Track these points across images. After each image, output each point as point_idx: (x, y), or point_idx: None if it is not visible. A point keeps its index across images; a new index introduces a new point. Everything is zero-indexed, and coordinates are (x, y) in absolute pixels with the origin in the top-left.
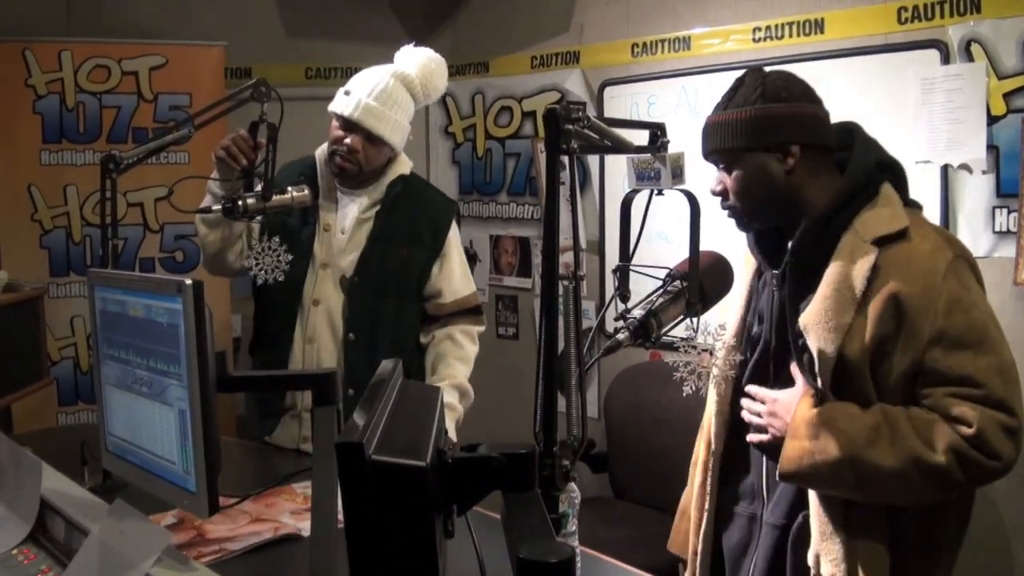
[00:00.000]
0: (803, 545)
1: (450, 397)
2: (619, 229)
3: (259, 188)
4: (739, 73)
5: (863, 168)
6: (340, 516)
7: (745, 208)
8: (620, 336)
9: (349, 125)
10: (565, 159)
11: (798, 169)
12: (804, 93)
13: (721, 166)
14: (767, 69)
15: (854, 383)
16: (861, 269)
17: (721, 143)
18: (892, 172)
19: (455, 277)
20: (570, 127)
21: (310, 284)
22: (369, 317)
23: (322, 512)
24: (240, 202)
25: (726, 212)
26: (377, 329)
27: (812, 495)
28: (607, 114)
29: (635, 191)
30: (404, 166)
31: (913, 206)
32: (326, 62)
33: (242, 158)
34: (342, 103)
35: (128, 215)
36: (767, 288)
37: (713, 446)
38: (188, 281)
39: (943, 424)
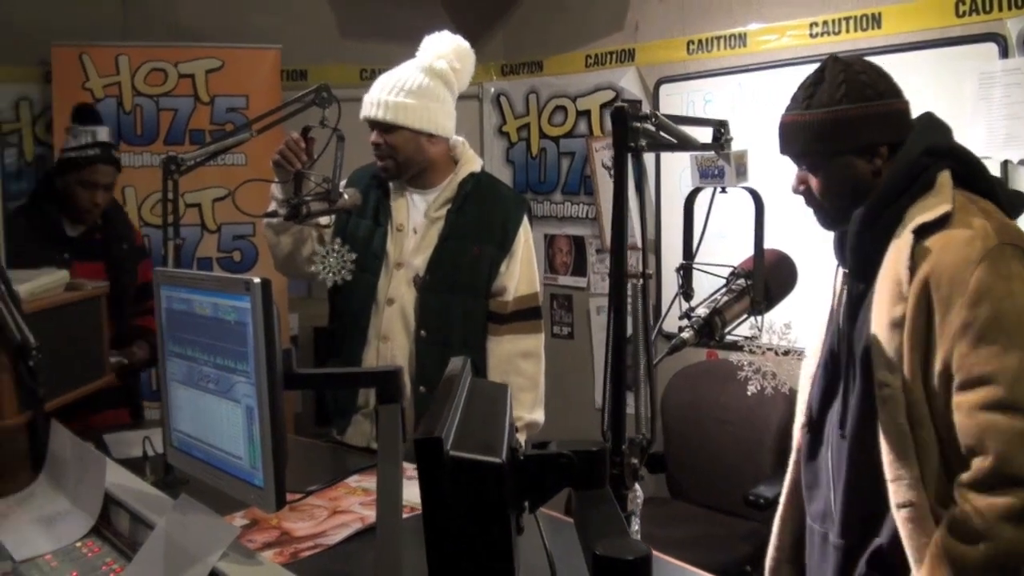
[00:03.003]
0: (878, 571)
1: (520, 436)
2: (682, 227)
3: (313, 188)
4: (796, 69)
5: (907, 159)
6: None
7: (831, 209)
8: (685, 335)
9: (372, 125)
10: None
11: (885, 168)
12: (889, 88)
13: (804, 166)
14: (847, 59)
15: (911, 384)
16: (903, 259)
17: (805, 145)
18: (954, 159)
19: (521, 276)
20: (638, 125)
21: (384, 284)
22: (440, 314)
23: (387, 507)
24: (304, 206)
25: (811, 211)
26: (448, 326)
27: (888, 523)
28: (662, 112)
29: (698, 189)
30: (474, 164)
31: (987, 194)
32: (380, 63)
33: (295, 161)
34: (363, 108)
35: (186, 215)
36: (842, 290)
37: (796, 442)
38: (256, 279)
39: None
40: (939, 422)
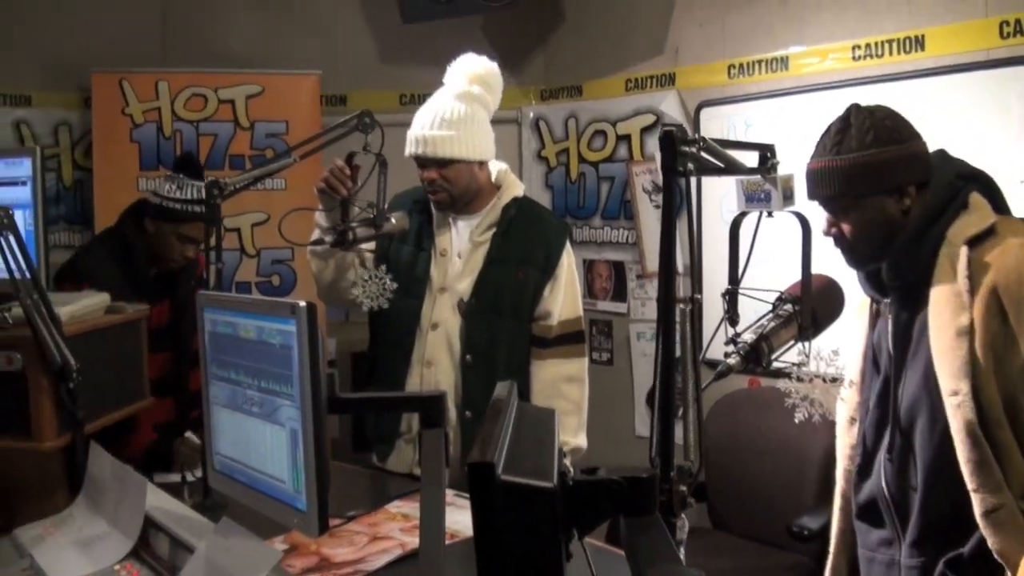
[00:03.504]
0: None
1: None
2: (725, 252)
3: (359, 214)
4: (839, 93)
5: (943, 183)
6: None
7: (864, 250)
8: (731, 360)
9: (421, 162)
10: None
11: (914, 206)
12: (910, 132)
13: (834, 210)
14: (869, 107)
15: (984, 387)
16: (960, 271)
17: (839, 189)
18: (979, 182)
19: (565, 300)
20: (686, 149)
21: (428, 308)
22: (486, 339)
23: (430, 533)
24: (350, 232)
25: (841, 252)
26: (494, 351)
27: (971, 532)
28: (698, 135)
29: (744, 213)
30: (517, 188)
31: (1005, 211)
32: (419, 88)
33: (341, 188)
34: (407, 146)
35: (225, 240)
36: (882, 320)
37: (841, 489)
38: (302, 303)
39: None
40: (1021, 418)
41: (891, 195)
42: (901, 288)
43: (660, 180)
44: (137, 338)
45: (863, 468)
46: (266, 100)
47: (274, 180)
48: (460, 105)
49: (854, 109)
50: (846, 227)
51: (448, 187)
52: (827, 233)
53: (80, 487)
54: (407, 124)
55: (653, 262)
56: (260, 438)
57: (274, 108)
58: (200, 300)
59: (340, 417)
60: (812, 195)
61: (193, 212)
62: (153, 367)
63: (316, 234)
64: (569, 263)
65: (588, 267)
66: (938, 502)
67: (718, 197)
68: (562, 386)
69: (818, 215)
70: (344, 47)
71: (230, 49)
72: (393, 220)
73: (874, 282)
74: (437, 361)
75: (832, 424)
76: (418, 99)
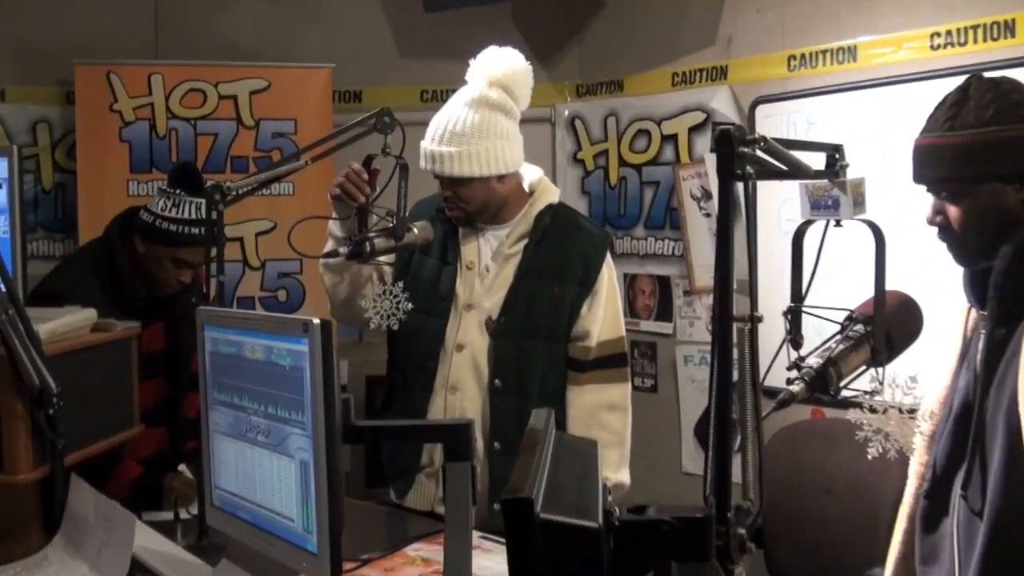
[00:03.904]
0: None
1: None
2: (790, 265)
3: (378, 223)
4: (915, 87)
5: None
6: None
7: (973, 244)
8: (794, 388)
9: (436, 176)
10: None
11: None
12: None
13: (943, 195)
14: (994, 77)
15: None
16: None
17: (947, 171)
18: None
19: (605, 318)
20: (745, 150)
21: (453, 328)
22: (516, 361)
23: None
24: (367, 243)
25: (946, 245)
26: (525, 375)
27: None
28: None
29: (809, 222)
30: (551, 195)
31: None
32: (443, 83)
33: (358, 195)
34: (421, 158)
35: (227, 250)
36: (975, 336)
37: (908, 510)
38: (316, 321)
39: None
40: None
41: (1010, 182)
42: (1002, 297)
43: (710, 185)
44: (127, 359)
45: (931, 502)
46: (272, 96)
47: (281, 185)
48: (471, 114)
49: (974, 79)
50: (954, 215)
51: (463, 205)
52: (931, 222)
53: (58, 526)
54: (429, 123)
55: (702, 277)
56: (266, 471)
57: (281, 105)
58: (200, 317)
59: (352, 447)
60: (918, 177)
61: (191, 235)
62: (144, 394)
63: (329, 245)
64: (610, 277)
65: (629, 282)
66: (1003, 561)
67: (776, 204)
68: (602, 415)
69: (899, 217)
70: (360, 38)
71: (232, 39)
72: (415, 230)
73: (978, 286)
74: (462, 386)
75: (909, 461)
76: (441, 96)
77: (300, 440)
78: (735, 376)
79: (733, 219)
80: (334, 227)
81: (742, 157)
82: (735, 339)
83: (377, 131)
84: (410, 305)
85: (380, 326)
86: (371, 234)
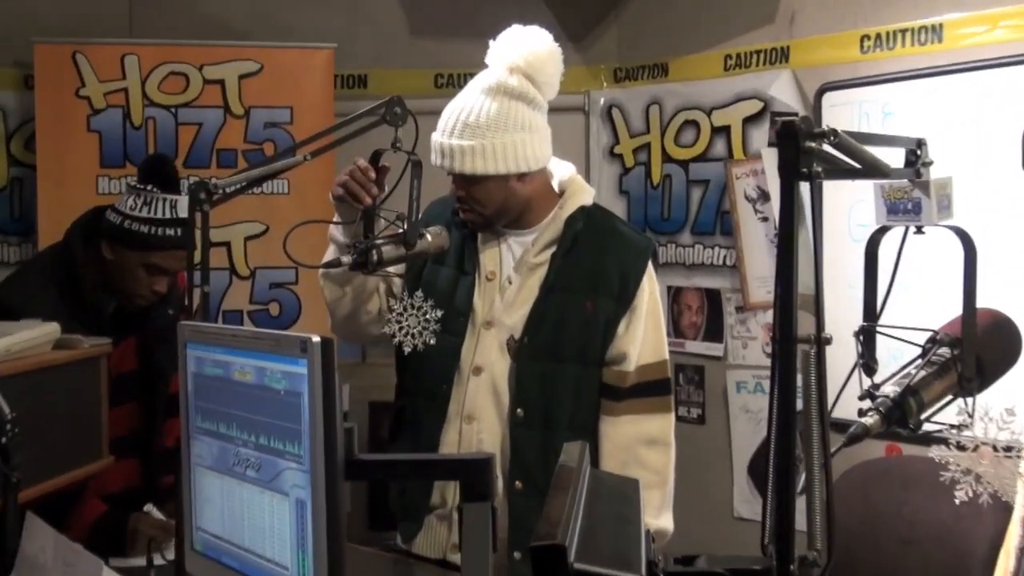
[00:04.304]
0: None
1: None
2: (863, 278)
3: (386, 228)
4: (1012, 72)
5: None
6: None
7: None
8: (868, 420)
9: (450, 174)
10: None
11: None
12: None
13: None
14: None
15: None
16: None
17: None
18: None
19: (646, 338)
20: (811, 145)
21: (469, 348)
22: (542, 388)
23: None
24: (374, 251)
25: None
26: (552, 403)
27: None
28: (825, 126)
29: (884, 228)
30: (584, 195)
31: None
32: (460, 66)
33: (364, 195)
34: (432, 153)
35: (212, 256)
36: None
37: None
38: (316, 339)
39: None
40: None
41: None
42: None
43: (768, 185)
44: (94, 381)
45: None
46: (265, 81)
47: (275, 183)
48: (488, 104)
49: None
50: None
51: (478, 207)
52: None
53: (8, 572)
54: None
55: (758, 291)
56: (256, 510)
57: (275, 91)
58: (182, 333)
59: (353, 485)
60: None
61: (165, 237)
62: (114, 422)
63: (331, 253)
64: (651, 291)
65: (674, 297)
66: None
67: (847, 207)
68: (641, 451)
69: (991, 223)
70: (365, 15)
71: (219, 15)
72: (428, 236)
73: None
74: (480, 415)
75: (1006, 507)
76: (459, 81)
77: (296, 475)
78: (798, 406)
79: (796, 224)
80: (336, 232)
81: (808, 153)
82: (798, 363)
83: (386, 122)
84: (439, 314)
85: (416, 347)
86: (378, 240)
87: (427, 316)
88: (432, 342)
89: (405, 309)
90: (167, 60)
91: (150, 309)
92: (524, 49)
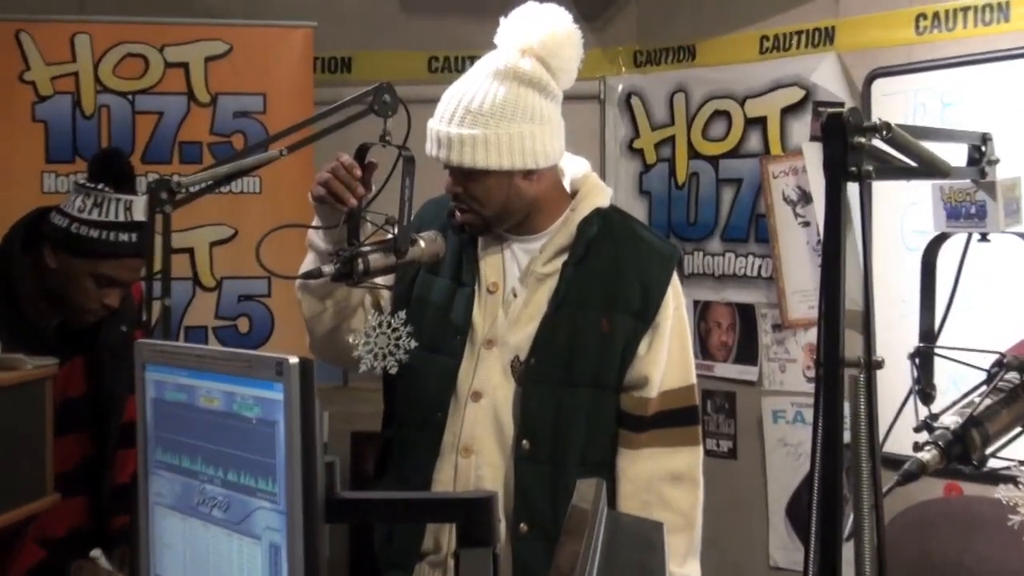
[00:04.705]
0: None
1: None
2: (919, 293)
3: (374, 233)
4: None
5: None
6: None
7: None
8: (925, 455)
9: (446, 167)
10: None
11: None
12: None
13: None
14: None
15: None
16: None
17: None
18: None
19: (670, 360)
20: (861, 140)
21: (468, 370)
22: (552, 416)
23: None
24: (359, 260)
25: None
26: (563, 434)
27: None
28: (875, 117)
29: (944, 235)
30: (600, 196)
31: None
32: (458, 47)
33: (348, 196)
34: (427, 142)
35: (173, 265)
36: None
37: None
38: (293, 360)
39: None
40: None
41: None
42: None
43: (810, 185)
44: (38, 407)
45: None
46: (235, 64)
47: (246, 181)
48: (496, 89)
49: None
50: None
51: (476, 207)
52: None
53: None
54: (439, 99)
55: (798, 306)
56: (224, 556)
57: (247, 75)
58: (140, 353)
59: (334, 528)
60: None
61: (118, 243)
62: (60, 454)
63: (310, 261)
64: (677, 306)
65: (702, 312)
66: None
67: (900, 210)
68: (665, 489)
69: None
70: None
71: None
72: (421, 243)
73: None
74: (480, 447)
75: None
76: (457, 65)
77: (269, 516)
78: (845, 439)
79: (843, 230)
80: (316, 238)
81: (857, 149)
82: (846, 390)
83: (374, 112)
84: (414, 343)
85: (374, 368)
86: (364, 248)
87: (400, 339)
88: (394, 369)
89: (379, 326)
90: (123, 40)
91: (100, 325)
92: (540, 29)
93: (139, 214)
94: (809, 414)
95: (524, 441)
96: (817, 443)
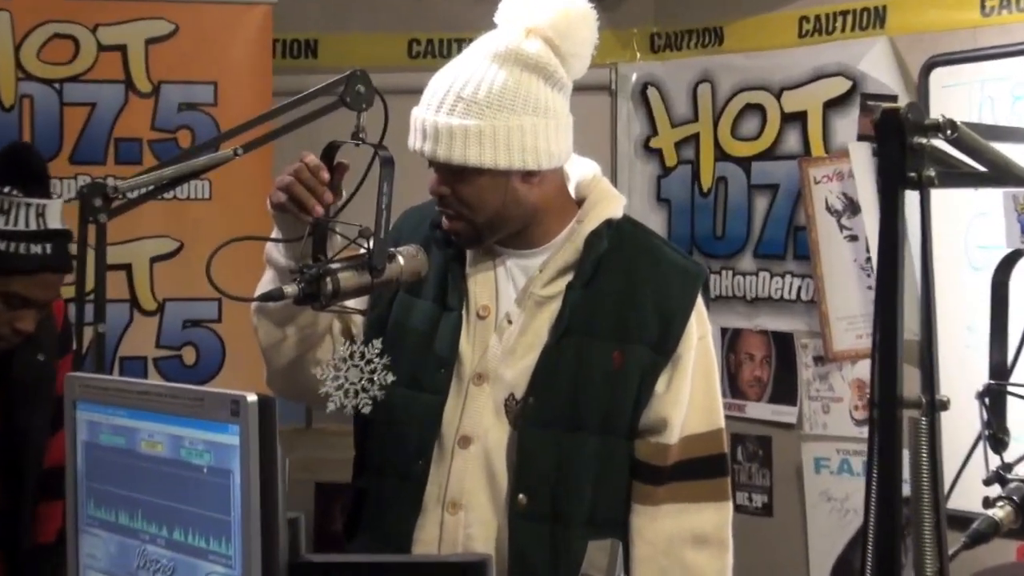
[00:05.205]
0: None
1: None
2: (989, 320)
3: (344, 248)
4: None
5: None
6: None
7: None
8: (997, 512)
9: (430, 163)
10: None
11: None
12: None
13: None
14: None
15: None
16: None
17: None
18: None
19: (693, 400)
20: (921, 141)
21: (454, 410)
22: (554, 466)
23: None
24: (328, 279)
25: None
26: (567, 487)
27: None
28: (935, 113)
29: (1018, 253)
30: (611, 204)
31: None
32: (443, 29)
33: (315, 203)
34: (410, 134)
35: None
36: None
37: None
38: (252, 397)
39: None
40: None
41: None
42: None
43: (858, 192)
44: None
45: None
46: (182, 47)
47: (194, 185)
48: (495, 73)
49: None
50: None
51: (465, 212)
52: None
53: None
54: (420, 89)
55: (844, 334)
56: None
57: (195, 61)
58: (70, 388)
59: None
60: None
61: (29, 256)
62: None
63: (269, 280)
64: (702, 336)
65: (731, 342)
66: None
67: (965, 223)
68: (687, 553)
69: None
70: None
71: None
72: (400, 259)
73: None
74: (469, 502)
75: None
76: (441, 50)
77: None
78: (904, 491)
79: (901, 246)
80: (276, 253)
81: (916, 151)
82: (904, 435)
83: (345, 104)
84: (391, 377)
85: (343, 408)
86: (334, 265)
87: (375, 372)
88: (366, 409)
89: (351, 356)
90: (50, 18)
91: (12, 354)
92: (550, 6)
93: (54, 221)
94: (857, 463)
95: (520, 495)
96: (871, 498)
